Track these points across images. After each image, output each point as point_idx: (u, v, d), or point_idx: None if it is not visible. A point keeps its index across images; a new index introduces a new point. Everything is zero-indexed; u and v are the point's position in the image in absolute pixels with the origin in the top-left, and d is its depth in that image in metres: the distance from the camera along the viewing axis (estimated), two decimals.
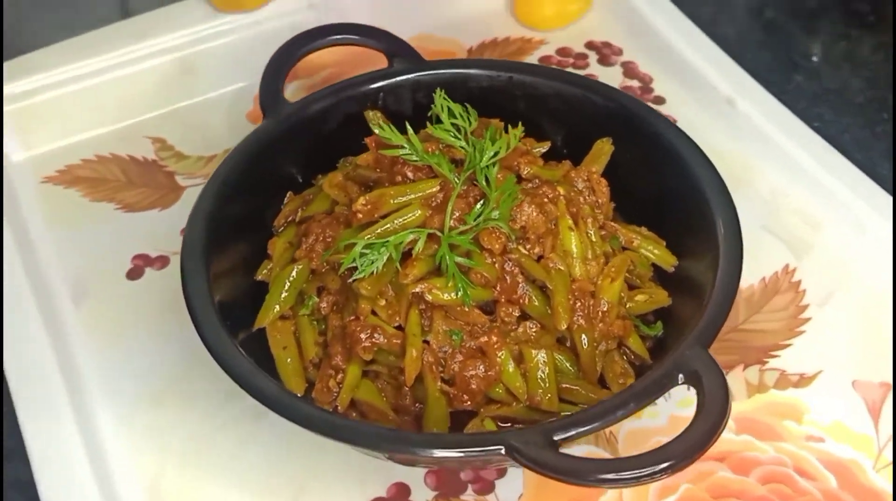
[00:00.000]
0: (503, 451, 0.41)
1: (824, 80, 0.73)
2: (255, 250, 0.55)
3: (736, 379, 0.55)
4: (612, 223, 0.53)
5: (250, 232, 0.55)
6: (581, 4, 0.75)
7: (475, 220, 0.47)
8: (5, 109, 0.67)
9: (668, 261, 0.53)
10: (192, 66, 0.71)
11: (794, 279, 0.60)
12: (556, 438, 0.41)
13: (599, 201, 0.53)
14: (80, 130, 0.69)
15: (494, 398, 0.48)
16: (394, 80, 0.57)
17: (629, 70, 0.72)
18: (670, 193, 0.53)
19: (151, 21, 0.72)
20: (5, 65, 0.69)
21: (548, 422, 0.42)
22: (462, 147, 0.49)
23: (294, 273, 0.51)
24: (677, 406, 0.54)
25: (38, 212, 0.65)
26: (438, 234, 0.47)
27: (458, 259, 0.47)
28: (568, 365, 0.49)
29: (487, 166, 0.48)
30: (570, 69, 0.71)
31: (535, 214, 0.48)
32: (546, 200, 0.49)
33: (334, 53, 0.66)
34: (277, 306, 0.51)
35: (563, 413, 0.47)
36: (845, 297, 0.58)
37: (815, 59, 0.75)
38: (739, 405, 0.54)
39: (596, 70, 0.73)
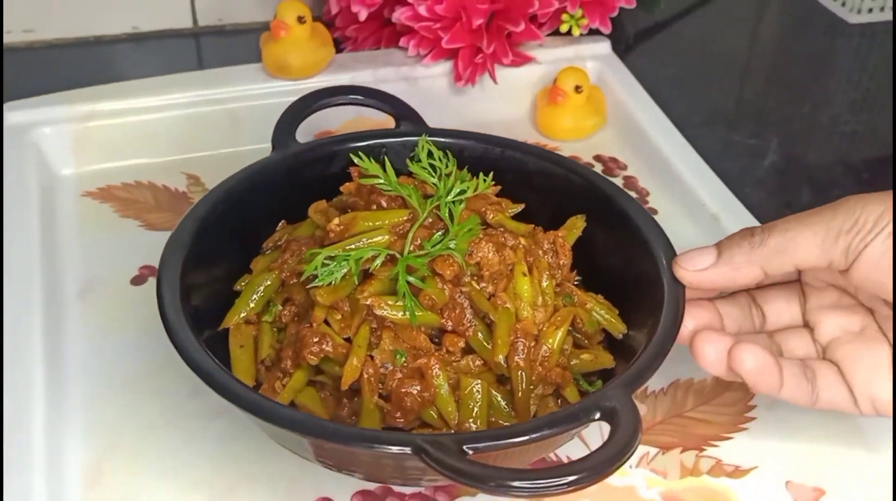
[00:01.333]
0: (410, 450, 0.38)
1: None
2: (241, 267, 0.53)
3: (671, 459, 0.51)
4: (569, 285, 0.51)
5: (239, 251, 0.53)
6: (596, 121, 0.77)
7: (432, 247, 0.46)
8: (68, 127, 0.71)
9: (618, 328, 0.50)
10: (238, 118, 0.73)
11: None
12: (465, 447, 0.38)
13: (561, 262, 0.50)
14: (127, 157, 0.69)
15: (426, 421, 0.45)
16: (397, 139, 0.57)
17: (629, 183, 0.72)
18: (631, 269, 0.51)
19: (214, 75, 0.73)
20: (86, 89, 0.73)
21: (460, 433, 0.40)
22: (434, 184, 0.49)
23: (264, 283, 0.49)
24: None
25: (71, 219, 0.65)
26: (398, 256, 0.46)
27: (411, 279, 0.45)
28: (503, 403, 0.46)
29: (453, 202, 0.47)
30: None
31: (490, 252, 0.46)
32: (504, 244, 0.48)
33: None
34: (244, 311, 0.49)
35: None
36: (792, 408, 0.55)
37: (805, 200, 0.75)
38: (670, 483, 0.50)
39: None
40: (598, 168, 0.74)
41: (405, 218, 0.48)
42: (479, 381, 0.46)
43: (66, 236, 0.64)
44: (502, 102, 0.77)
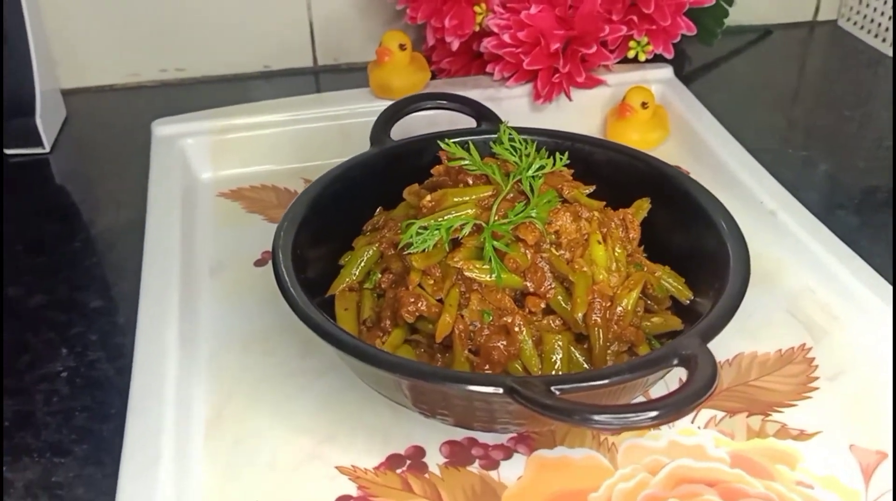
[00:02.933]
0: (502, 390, 0.34)
1: (864, 216, 0.66)
2: (345, 246, 0.50)
3: (738, 422, 0.46)
4: (639, 256, 0.47)
5: (344, 231, 0.51)
6: (661, 134, 0.72)
7: (515, 215, 0.43)
8: (207, 139, 0.70)
9: (685, 294, 0.46)
10: (348, 133, 0.71)
11: (808, 355, 0.51)
12: (553, 388, 0.34)
13: (631, 236, 0.46)
14: (255, 164, 0.68)
15: (512, 373, 0.41)
16: (479, 136, 0.54)
17: None
18: (694, 242, 0.47)
19: (328, 97, 0.72)
20: (222, 108, 0.73)
21: (547, 375, 0.36)
22: (515, 161, 0.45)
23: (366, 255, 0.47)
24: (679, 434, 0.46)
25: (207, 214, 0.64)
26: (484, 225, 0.43)
27: (496, 244, 0.42)
28: (581, 359, 0.42)
29: (533, 177, 0.44)
30: None
31: (569, 221, 0.43)
32: (580, 215, 0.44)
33: None
34: (348, 279, 0.47)
35: None
36: (854, 377, 0.48)
37: (856, 202, 0.68)
38: (737, 444, 0.45)
39: None
40: None
41: (489, 193, 0.45)
42: (560, 337, 0.42)
43: (202, 226, 0.63)
44: (576, 120, 0.73)
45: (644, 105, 0.70)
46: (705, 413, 0.46)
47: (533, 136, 0.54)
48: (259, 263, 0.60)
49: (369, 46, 0.87)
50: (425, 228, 0.43)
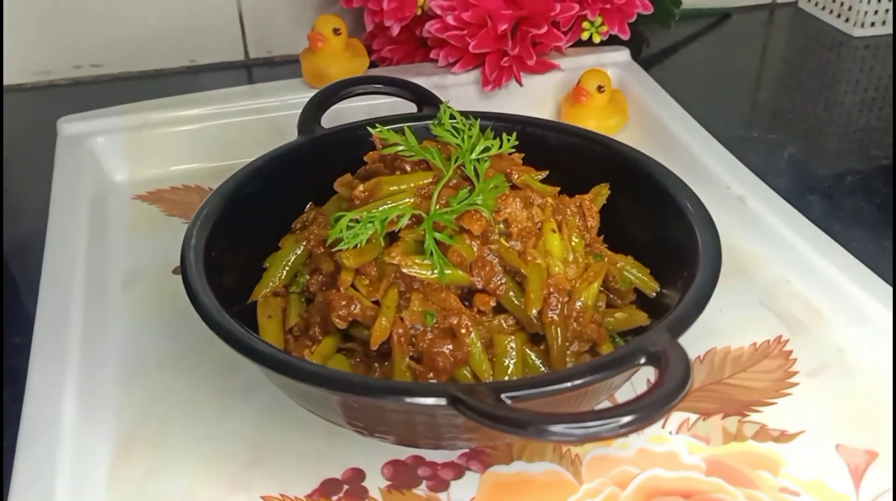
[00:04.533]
0: (445, 401, 0.30)
1: (836, 200, 0.64)
2: (272, 247, 0.48)
3: (713, 425, 0.43)
4: (599, 245, 0.44)
5: (270, 231, 0.47)
6: (619, 120, 0.69)
7: (459, 203, 0.39)
8: (121, 137, 0.65)
9: (650, 286, 0.43)
10: (280, 126, 0.67)
11: (785, 348, 0.48)
12: (504, 396, 0.30)
13: (589, 224, 0.43)
14: (177, 163, 0.65)
15: (459, 381, 0.38)
16: (418, 122, 0.50)
17: None
18: (659, 228, 0.44)
19: (257, 88, 0.68)
20: (137, 103, 0.68)
21: (497, 381, 0.33)
22: (457, 144, 0.41)
23: (292, 255, 0.43)
24: (648, 441, 0.43)
25: (120, 219, 0.58)
26: (423, 215, 0.39)
27: (438, 236, 0.38)
28: (537, 362, 0.38)
29: (478, 160, 0.40)
30: None
31: (519, 208, 0.39)
32: (532, 201, 0.41)
33: None
34: (272, 283, 0.43)
35: None
36: (836, 371, 0.46)
37: (828, 184, 0.66)
38: (713, 450, 0.42)
39: None
40: None
41: (429, 180, 0.41)
42: (513, 338, 0.38)
43: (115, 233, 0.58)
44: (527, 107, 0.70)
45: (600, 89, 0.67)
46: (676, 417, 0.43)
47: (479, 120, 0.51)
48: (179, 271, 0.55)
49: (305, 36, 0.83)
50: (357, 220, 0.39)
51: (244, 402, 0.44)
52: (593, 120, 0.68)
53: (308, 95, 0.67)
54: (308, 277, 0.42)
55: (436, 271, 0.38)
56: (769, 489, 0.39)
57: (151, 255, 0.56)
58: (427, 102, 0.52)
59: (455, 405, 0.30)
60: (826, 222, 0.56)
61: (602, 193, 0.47)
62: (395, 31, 0.69)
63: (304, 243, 0.43)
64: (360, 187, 0.41)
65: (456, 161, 0.40)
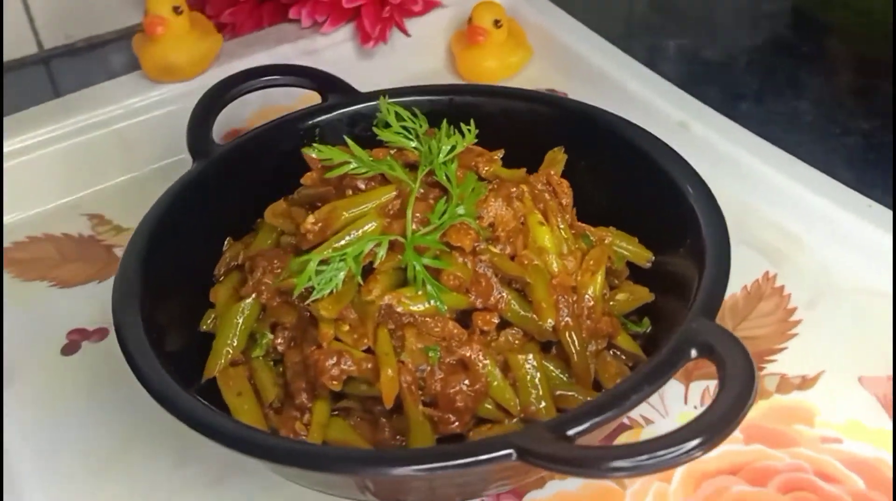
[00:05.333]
0: (514, 453, 0.32)
1: (769, 105, 0.70)
2: (197, 302, 0.46)
3: None
4: (580, 223, 0.46)
5: (190, 282, 0.46)
6: (522, 55, 0.71)
7: (440, 219, 0.40)
8: None
9: (644, 256, 0.46)
10: (128, 140, 0.64)
11: (776, 285, 0.54)
12: (569, 432, 0.33)
13: (563, 201, 0.45)
14: (10, 211, 0.62)
15: (484, 416, 0.40)
16: (330, 114, 0.51)
17: None
18: (634, 189, 0.47)
19: (84, 98, 0.64)
20: None
21: (554, 418, 0.35)
22: (415, 148, 0.42)
23: (242, 313, 0.42)
24: (677, 421, 0.47)
25: None
26: (401, 240, 0.40)
27: (426, 261, 0.39)
28: (558, 372, 0.40)
29: (445, 163, 0.41)
30: None
31: (503, 208, 0.41)
32: (512, 196, 0.42)
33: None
34: (228, 351, 0.42)
35: None
36: (833, 297, 0.51)
37: (756, 88, 0.72)
38: None
39: None
40: None
41: (393, 194, 0.42)
42: (530, 355, 0.40)
43: None
44: (417, 56, 0.71)
45: (497, 24, 0.69)
46: (696, 387, 0.47)
47: (400, 97, 0.51)
48: (68, 349, 0.53)
49: (113, 11, 0.79)
50: (325, 262, 0.39)
51: (215, 494, 0.44)
52: (494, 60, 0.70)
53: (155, 93, 0.65)
54: (270, 335, 0.42)
55: (433, 302, 0.39)
56: (810, 442, 0.44)
57: (24, 336, 0.54)
58: (332, 88, 0.52)
59: (523, 457, 0.32)
60: (766, 131, 0.61)
61: (558, 159, 0.49)
62: None
63: (254, 297, 0.43)
64: (311, 219, 0.41)
65: (422, 169, 0.41)
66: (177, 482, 0.45)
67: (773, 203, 0.57)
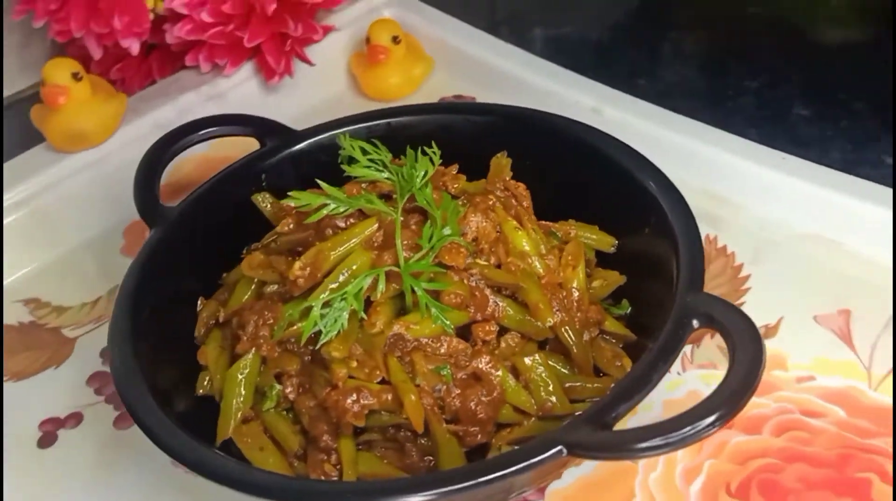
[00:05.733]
0: (564, 452, 0.34)
1: (665, 76, 0.75)
2: (186, 369, 0.46)
3: (708, 349, 0.52)
4: (543, 222, 0.48)
5: (178, 350, 0.47)
6: (424, 67, 0.73)
7: (430, 243, 0.42)
8: None
9: (608, 242, 0.49)
10: (49, 215, 0.62)
11: (719, 246, 0.58)
12: (608, 419, 0.35)
13: (524, 204, 0.48)
14: None
15: (502, 421, 0.42)
16: (273, 158, 0.52)
17: None
18: (584, 181, 0.50)
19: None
20: None
21: (589, 409, 0.37)
22: (388, 178, 0.44)
23: (244, 370, 0.43)
24: (668, 390, 0.51)
25: None
26: (395, 269, 0.42)
27: (425, 285, 0.41)
28: (560, 366, 0.43)
29: (421, 188, 0.43)
30: None
31: (483, 222, 0.43)
32: (488, 208, 0.45)
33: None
34: (238, 410, 0.43)
35: (577, 412, 0.42)
36: (773, 248, 0.55)
37: (647, 64, 0.77)
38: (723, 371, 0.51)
39: None
40: None
41: (375, 228, 0.43)
42: (536, 356, 0.43)
43: None
44: (321, 83, 0.72)
45: (396, 40, 0.71)
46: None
47: (335, 129, 0.53)
48: (45, 441, 0.52)
49: None
50: (328, 304, 0.40)
51: None
52: (396, 76, 0.72)
53: (66, 164, 0.64)
54: (278, 386, 0.43)
55: (439, 323, 0.41)
56: (788, 384, 0.49)
57: None
58: (270, 132, 0.53)
59: (573, 451, 0.35)
60: (668, 103, 0.65)
61: (503, 163, 0.52)
62: (136, 49, 0.66)
63: (254, 353, 0.43)
64: (298, 265, 0.42)
65: (402, 198, 0.43)
66: None
67: (698, 171, 0.61)
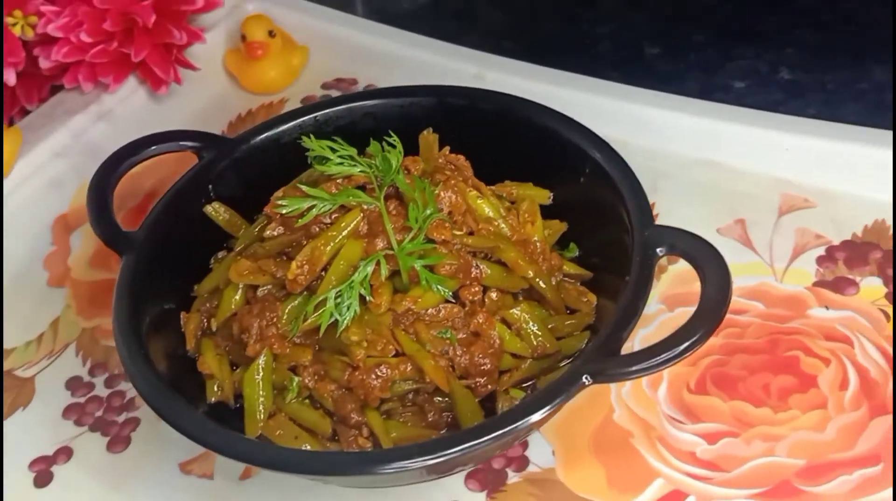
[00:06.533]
0: (589, 380, 0.41)
1: (526, 35, 0.82)
2: (190, 382, 0.50)
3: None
4: (487, 187, 0.53)
5: (176, 368, 0.49)
6: (300, 56, 0.76)
7: (418, 222, 0.47)
8: None
9: (545, 195, 0.55)
10: None
11: None
12: (614, 347, 0.43)
13: (466, 174, 0.53)
14: None
15: (502, 369, 0.48)
16: (216, 169, 0.55)
17: None
18: (510, 144, 0.56)
19: None
20: None
21: (597, 343, 0.45)
22: (362, 171, 0.48)
23: (260, 371, 0.47)
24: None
25: None
26: (389, 252, 0.46)
27: (419, 261, 0.46)
28: (543, 312, 0.50)
29: (395, 175, 0.48)
30: None
31: (454, 196, 0.49)
32: (455, 184, 0.50)
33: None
34: (261, 408, 0.47)
35: (563, 350, 0.49)
36: (667, 178, 0.63)
37: (509, 25, 0.84)
38: (660, 288, 0.58)
39: None
40: (336, 94, 0.75)
41: (359, 218, 0.48)
42: (520, 306, 0.49)
43: None
44: (202, 84, 0.75)
45: (271, 34, 0.74)
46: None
47: (270, 131, 0.57)
48: (40, 480, 0.53)
49: None
50: (339, 294, 0.45)
51: None
52: (275, 69, 0.76)
53: None
54: (297, 378, 0.47)
55: (439, 292, 0.47)
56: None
57: None
58: (208, 144, 0.56)
59: (596, 378, 0.42)
60: (539, 58, 0.72)
61: (431, 139, 0.57)
62: (13, 80, 0.66)
63: (266, 352, 0.47)
64: (296, 265, 0.47)
65: (383, 187, 0.48)
66: None
67: (586, 119, 0.68)
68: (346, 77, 0.76)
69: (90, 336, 0.60)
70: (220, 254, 0.55)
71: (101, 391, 0.57)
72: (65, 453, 0.54)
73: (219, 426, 0.43)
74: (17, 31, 0.66)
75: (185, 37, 0.69)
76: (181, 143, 0.56)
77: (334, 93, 0.75)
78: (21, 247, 0.65)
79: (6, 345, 0.60)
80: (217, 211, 0.55)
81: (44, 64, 0.68)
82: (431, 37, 0.75)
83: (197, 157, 0.57)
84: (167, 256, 0.53)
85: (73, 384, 0.58)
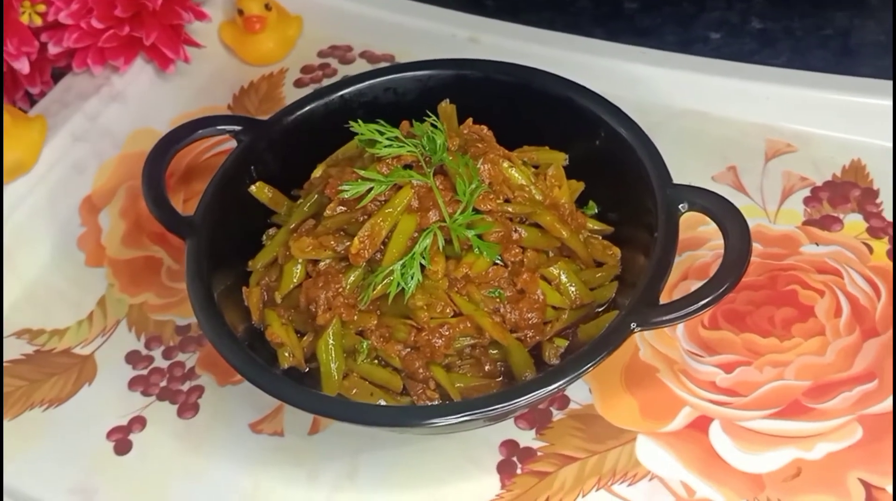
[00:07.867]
0: (637, 326, 0.49)
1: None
2: (264, 350, 0.56)
3: None
4: (508, 153, 0.60)
5: (250, 340, 0.56)
6: (296, 26, 0.81)
7: (466, 196, 0.53)
8: None
9: (561, 157, 0.62)
10: (8, 247, 0.68)
11: None
12: (653, 298, 0.50)
13: (492, 144, 0.60)
14: None
15: (547, 320, 0.55)
16: (256, 150, 0.61)
17: (370, 57, 0.80)
18: (527, 113, 0.62)
19: None
20: None
21: (638, 292, 0.51)
22: (409, 151, 0.55)
23: (330, 338, 0.54)
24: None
25: None
26: (442, 224, 0.53)
27: (472, 231, 0.53)
28: (576, 267, 0.57)
29: (443, 152, 0.54)
30: (325, 81, 0.80)
31: (492, 168, 0.56)
32: (491, 157, 0.56)
33: None
34: (335, 371, 0.53)
35: (597, 299, 0.57)
36: (658, 129, 0.67)
37: None
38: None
39: (344, 70, 0.80)
40: (333, 62, 0.81)
41: (411, 195, 0.55)
42: (557, 265, 0.57)
43: None
44: (204, 59, 0.79)
45: (268, 7, 0.79)
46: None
47: (298, 110, 0.63)
48: (120, 448, 0.59)
49: None
50: (404, 265, 0.52)
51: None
52: (272, 40, 0.81)
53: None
54: (367, 341, 0.54)
55: (490, 257, 0.54)
56: (714, 234, 0.66)
57: (54, 463, 0.59)
58: (248, 128, 0.62)
59: (643, 325, 0.50)
60: (523, 18, 0.78)
61: (449, 110, 0.64)
62: (27, 68, 0.70)
63: (336, 320, 0.54)
64: (357, 240, 0.53)
65: (432, 165, 0.54)
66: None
67: (576, 76, 0.75)
68: (341, 44, 0.82)
69: (139, 312, 0.65)
70: (271, 231, 0.61)
71: (161, 362, 0.63)
72: (139, 422, 0.60)
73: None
74: (24, 19, 0.70)
75: (192, 16, 0.73)
76: (220, 127, 0.61)
77: (331, 60, 0.81)
78: (54, 231, 0.69)
79: (59, 325, 0.65)
80: (261, 190, 0.61)
81: (53, 50, 0.71)
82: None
83: (234, 139, 0.62)
84: (222, 235, 0.58)
85: (133, 358, 0.63)
